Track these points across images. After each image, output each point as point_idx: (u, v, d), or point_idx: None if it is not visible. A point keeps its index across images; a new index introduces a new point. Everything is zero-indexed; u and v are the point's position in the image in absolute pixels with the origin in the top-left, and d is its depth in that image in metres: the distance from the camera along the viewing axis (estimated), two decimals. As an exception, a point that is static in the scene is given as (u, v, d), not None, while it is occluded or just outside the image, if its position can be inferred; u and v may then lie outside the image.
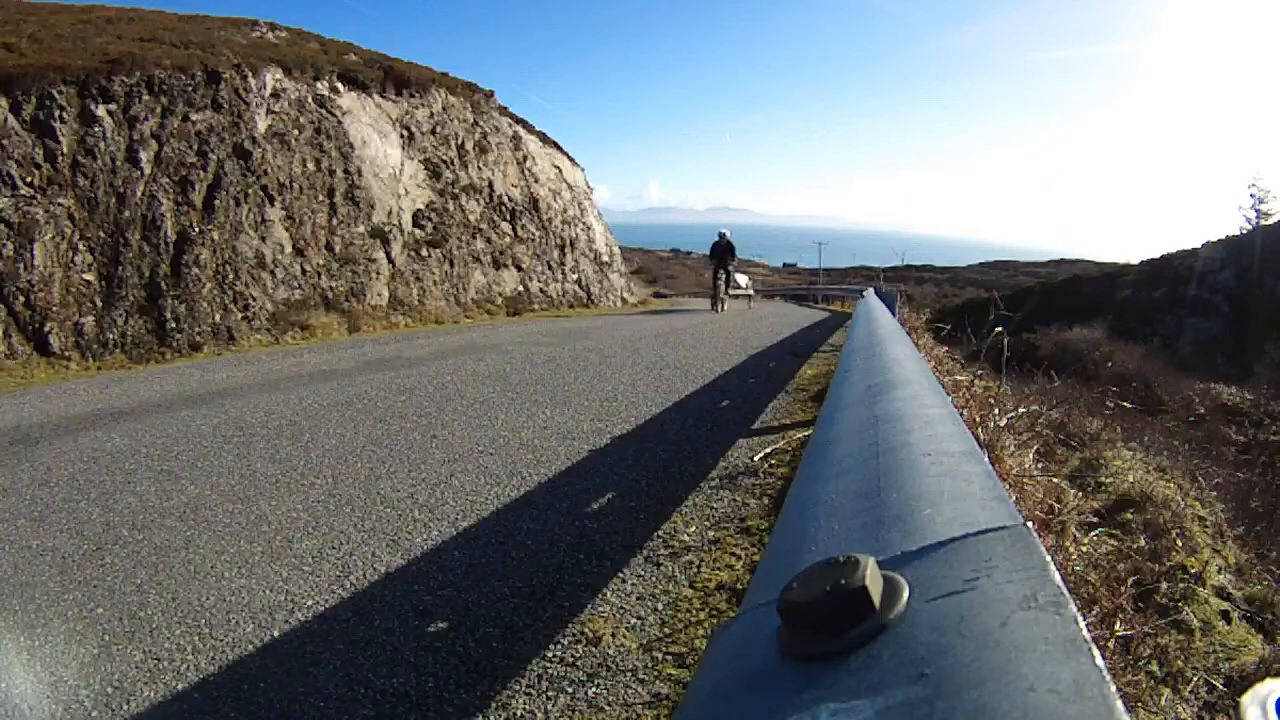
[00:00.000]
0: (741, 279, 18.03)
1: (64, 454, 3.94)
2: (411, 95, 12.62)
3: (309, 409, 4.89)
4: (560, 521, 2.93)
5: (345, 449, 3.94)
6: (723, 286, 14.28)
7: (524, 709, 1.78)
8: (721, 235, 14.43)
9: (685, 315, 13.61)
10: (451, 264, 11.92)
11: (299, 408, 4.93)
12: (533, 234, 14.10)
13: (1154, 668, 2.54)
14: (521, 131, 15.19)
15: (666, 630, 2.14)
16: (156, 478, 3.52)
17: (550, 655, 2.01)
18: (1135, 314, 26.89)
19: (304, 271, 9.53)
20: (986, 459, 0.96)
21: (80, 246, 7.66)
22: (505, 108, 15.22)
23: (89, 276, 7.62)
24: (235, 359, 7.51)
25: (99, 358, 7.31)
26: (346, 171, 10.59)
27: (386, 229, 10.93)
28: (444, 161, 12.60)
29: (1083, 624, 0.44)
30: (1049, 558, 0.53)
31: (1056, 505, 3.02)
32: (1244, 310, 24.78)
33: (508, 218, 13.64)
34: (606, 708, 1.79)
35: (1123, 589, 2.45)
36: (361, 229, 10.53)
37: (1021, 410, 4.41)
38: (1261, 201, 30.94)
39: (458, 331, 9.86)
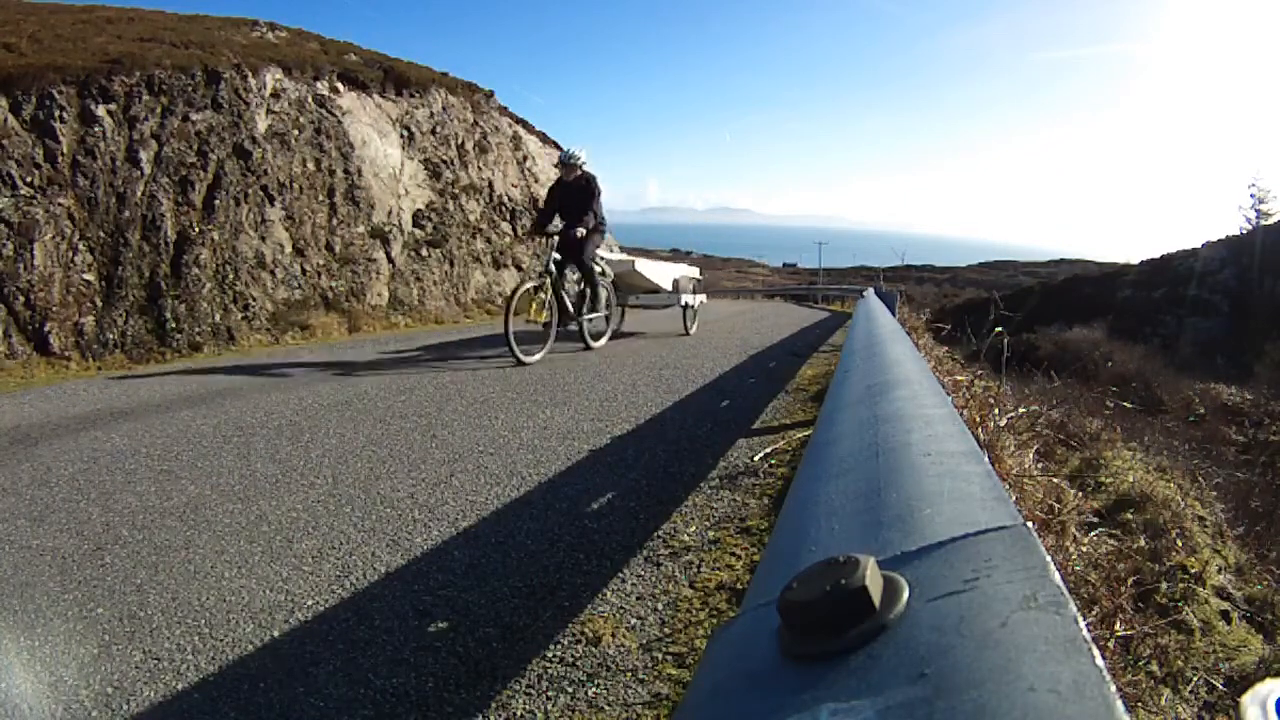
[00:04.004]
0: (666, 274, 8.64)
1: (64, 454, 3.94)
2: (411, 95, 12.61)
3: (309, 409, 4.89)
4: (560, 521, 2.93)
5: (345, 449, 3.94)
6: (567, 296, 6.73)
7: (524, 709, 1.78)
8: (568, 161, 6.93)
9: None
10: (451, 264, 11.92)
11: (299, 408, 4.93)
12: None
13: (1154, 668, 2.54)
14: (521, 131, 15.18)
15: (666, 630, 2.13)
16: (156, 477, 3.52)
17: (550, 655, 2.01)
18: (1135, 314, 26.92)
19: (304, 271, 9.52)
20: (986, 459, 0.96)
21: (80, 246, 7.65)
22: (505, 108, 15.22)
23: (89, 276, 7.62)
24: (235, 359, 7.51)
25: (99, 358, 7.30)
26: (346, 171, 10.58)
27: (386, 229, 10.93)
28: (444, 161, 12.59)
29: (1083, 624, 0.44)
30: (1049, 558, 0.53)
31: (1056, 505, 3.02)
32: (1244, 310, 24.81)
33: (508, 218, 13.64)
34: (606, 707, 1.79)
35: (1123, 589, 2.45)
36: (361, 229, 10.53)
37: (1021, 410, 4.41)
38: (1261, 201, 31.03)
39: (458, 332, 9.85)
